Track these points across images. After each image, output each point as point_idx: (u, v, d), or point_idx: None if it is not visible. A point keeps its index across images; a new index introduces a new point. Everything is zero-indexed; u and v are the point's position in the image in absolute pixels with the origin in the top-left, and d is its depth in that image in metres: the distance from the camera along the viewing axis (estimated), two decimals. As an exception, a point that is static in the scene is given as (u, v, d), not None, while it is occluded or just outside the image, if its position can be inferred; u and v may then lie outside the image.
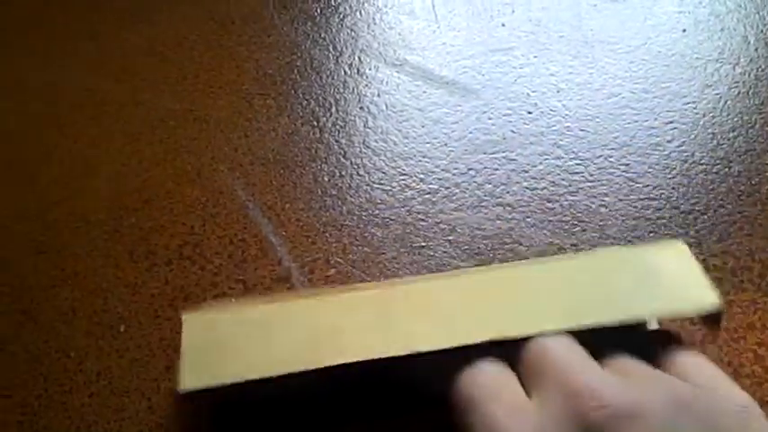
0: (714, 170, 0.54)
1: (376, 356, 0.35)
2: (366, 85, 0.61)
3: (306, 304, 0.39)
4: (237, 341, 0.36)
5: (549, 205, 0.52)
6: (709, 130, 0.57)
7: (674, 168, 0.54)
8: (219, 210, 0.52)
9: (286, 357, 0.35)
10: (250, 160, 0.55)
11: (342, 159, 0.55)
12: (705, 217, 0.52)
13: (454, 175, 0.54)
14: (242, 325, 0.38)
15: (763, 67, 0.62)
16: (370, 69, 0.62)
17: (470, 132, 0.57)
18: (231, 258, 0.48)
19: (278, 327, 0.37)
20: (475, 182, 0.54)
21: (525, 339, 0.33)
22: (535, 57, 0.62)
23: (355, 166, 0.55)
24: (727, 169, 0.55)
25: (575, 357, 0.31)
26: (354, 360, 0.35)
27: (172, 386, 0.44)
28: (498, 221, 0.51)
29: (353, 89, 0.60)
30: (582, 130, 0.57)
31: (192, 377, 0.35)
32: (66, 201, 0.52)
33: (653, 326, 0.40)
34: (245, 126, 0.57)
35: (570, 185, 0.53)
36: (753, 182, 0.54)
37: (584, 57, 0.62)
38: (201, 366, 0.35)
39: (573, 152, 0.55)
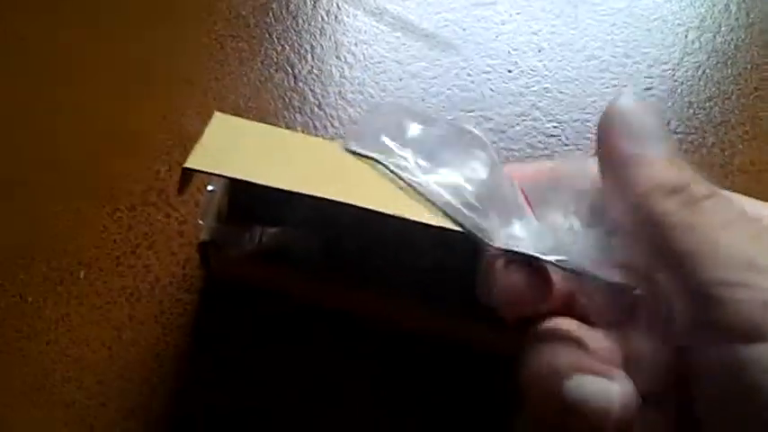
0: (689, 140, 0.54)
1: (381, 209, 0.33)
2: (343, 33, 0.59)
3: (332, 147, 0.39)
4: (253, 149, 0.37)
5: (525, 167, 0.51)
6: (686, 99, 0.57)
7: (650, 136, 0.54)
8: (186, 156, 0.50)
9: (291, 178, 0.35)
10: (219, 106, 0.53)
11: (316, 110, 0.54)
12: (677, 186, 0.52)
13: (430, 131, 0.53)
14: (263, 138, 0.39)
15: (742, 36, 0.62)
16: (348, 17, 0.60)
17: (448, 89, 0.56)
18: (198, 207, 0.47)
19: (295, 152, 0.38)
20: (450, 140, 0.53)
21: None
22: (518, 13, 0.61)
23: (330, 118, 0.53)
24: (701, 139, 0.55)
25: None
26: (356, 204, 0.34)
27: (134, 335, 0.43)
28: (472, 181, 0.50)
29: (330, 37, 0.58)
30: (561, 92, 0.56)
31: (199, 160, 0.35)
32: (27, 144, 0.50)
33: None
34: (216, 70, 0.55)
35: (546, 148, 0.53)
36: (726, 153, 0.54)
37: (567, 16, 0.61)
38: (212, 156, 0.36)
39: (551, 114, 0.55)
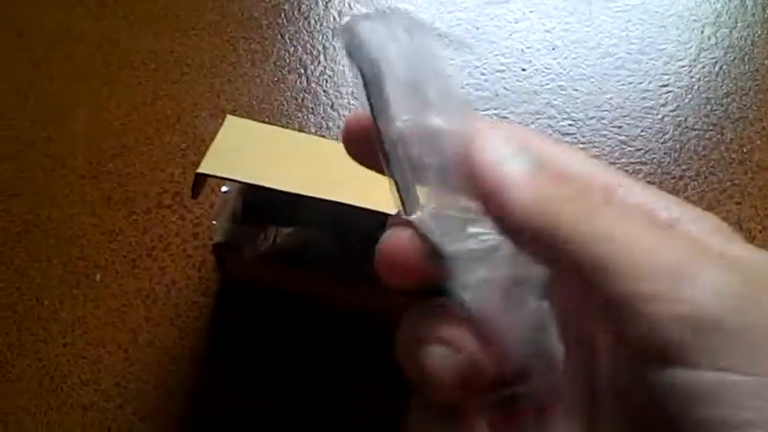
0: (707, 136, 0.54)
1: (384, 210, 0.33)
2: (356, 34, 0.58)
3: (337, 144, 0.38)
4: (265, 152, 0.38)
5: (540, 166, 0.51)
6: (704, 95, 0.56)
7: (667, 133, 0.54)
8: (200, 158, 0.50)
9: (303, 180, 0.36)
10: (233, 107, 0.53)
11: (329, 110, 0.54)
12: (696, 183, 0.51)
13: (444, 131, 0.53)
14: (275, 140, 0.39)
15: (759, 32, 0.61)
16: (360, 17, 0.59)
17: (462, 88, 0.55)
18: (212, 208, 0.47)
19: (307, 154, 0.38)
20: (465, 139, 0.53)
21: None
22: (531, 11, 0.60)
23: (343, 118, 0.53)
24: (719, 136, 0.54)
25: None
26: (368, 207, 0.34)
27: (151, 338, 0.43)
28: (487, 181, 0.50)
29: (343, 37, 0.58)
30: (576, 90, 0.56)
31: (211, 165, 0.36)
32: (42, 142, 0.50)
33: None
34: (229, 71, 0.55)
35: (561, 146, 0.52)
36: (744, 150, 0.53)
37: (581, 14, 0.61)
38: (224, 160, 0.37)
39: (566, 112, 0.54)
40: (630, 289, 0.18)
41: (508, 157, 0.21)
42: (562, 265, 0.19)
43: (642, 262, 0.18)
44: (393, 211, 0.30)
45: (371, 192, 0.36)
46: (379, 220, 0.33)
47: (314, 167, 0.37)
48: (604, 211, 0.19)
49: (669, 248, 0.18)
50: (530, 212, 0.20)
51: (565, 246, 0.19)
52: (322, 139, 0.40)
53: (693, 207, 0.22)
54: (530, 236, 0.20)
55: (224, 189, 0.42)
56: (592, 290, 0.19)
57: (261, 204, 0.40)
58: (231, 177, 0.36)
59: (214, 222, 0.41)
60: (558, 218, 0.19)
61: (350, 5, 0.60)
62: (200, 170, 0.36)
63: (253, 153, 0.38)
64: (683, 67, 0.58)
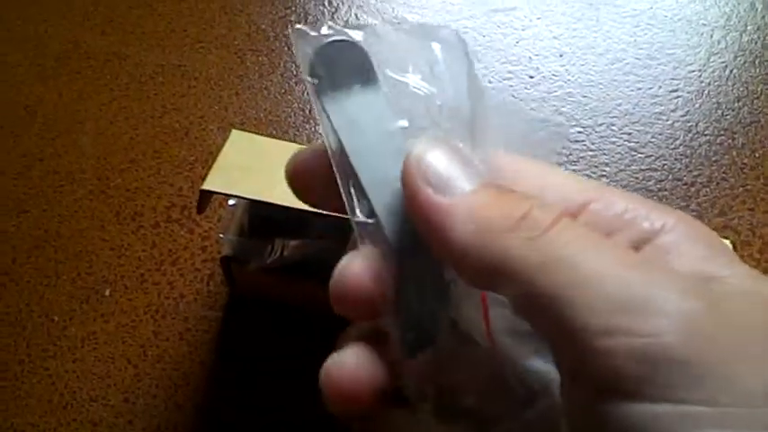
0: (718, 141, 0.53)
1: None
2: (362, 44, 0.58)
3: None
4: (271, 167, 0.37)
5: (549, 174, 0.50)
6: (714, 100, 0.56)
7: (678, 139, 0.53)
8: (209, 171, 0.50)
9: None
10: (241, 120, 0.53)
11: (336, 121, 0.53)
12: (707, 189, 0.51)
13: (452, 140, 0.53)
14: (281, 155, 0.38)
15: (770, 35, 0.60)
16: (366, 27, 0.59)
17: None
18: (221, 222, 0.47)
19: None
20: (473, 148, 0.53)
21: None
22: (538, 18, 0.60)
23: (350, 129, 0.53)
24: (730, 141, 0.53)
25: None
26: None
27: (160, 353, 0.43)
28: (496, 190, 0.49)
29: (349, 48, 0.58)
30: (584, 97, 0.55)
31: (216, 181, 0.37)
32: (50, 158, 0.51)
33: None
34: (236, 84, 0.55)
35: (571, 154, 0.52)
36: (756, 155, 0.53)
37: (589, 19, 0.60)
38: (229, 176, 0.37)
39: (575, 119, 0.54)
40: (584, 322, 0.17)
41: (452, 179, 0.19)
42: (514, 298, 0.18)
43: (597, 293, 0.17)
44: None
45: None
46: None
47: None
48: (552, 238, 0.18)
49: (628, 276, 0.17)
50: (472, 247, 0.18)
51: (513, 278, 0.18)
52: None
53: (681, 215, 0.21)
54: (475, 271, 0.19)
55: (231, 202, 0.42)
56: (545, 322, 0.18)
57: (268, 217, 0.40)
58: (236, 194, 0.36)
59: (221, 236, 0.41)
60: (504, 250, 0.18)
61: (356, 15, 0.60)
62: (204, 187, 0.36)
63: (258, 168, 0.38)
64: (693, 71, 0.57)
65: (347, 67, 0.22)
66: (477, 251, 0.18)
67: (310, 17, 0.60)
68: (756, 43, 0.60)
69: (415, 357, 0.22)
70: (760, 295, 0.18)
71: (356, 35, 0.23)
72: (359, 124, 0.22)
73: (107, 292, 0.45)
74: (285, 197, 0.35)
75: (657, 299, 0.17)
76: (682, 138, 0.53)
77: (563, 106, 0.54)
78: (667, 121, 0.54)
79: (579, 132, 0.53)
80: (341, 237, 0.40)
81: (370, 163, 0.22)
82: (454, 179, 0.19)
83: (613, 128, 0.53)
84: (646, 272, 0.17)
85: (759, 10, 0.62)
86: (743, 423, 0.15)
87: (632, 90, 0.56)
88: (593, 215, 0.21)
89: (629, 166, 0.51)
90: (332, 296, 0.22)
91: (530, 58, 0.58)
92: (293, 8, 0.61)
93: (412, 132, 0.22)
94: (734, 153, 0.53)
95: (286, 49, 0.58)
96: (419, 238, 0.21)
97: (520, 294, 0.18)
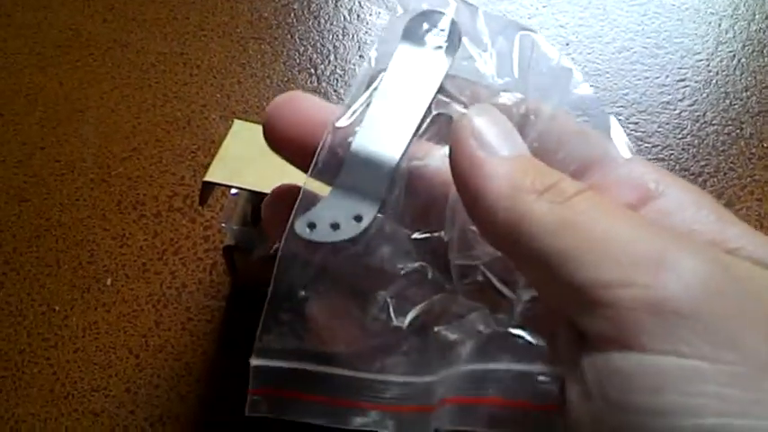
0: (726, 131, 0.53)
1: None
2: (366, 32, 0.58)
3: None
4: (273, 157, 0.37)
5: (555, 164, 0.50)
6: (722, 89, 0.55)
7: (685, 128, 0.53)
8: (210, 160, 0.50)
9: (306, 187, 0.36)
10: (243, 108, 0.53)
11: (340, 110, 0.53)
12: (715, 180, 0.50)
13: (457, 129, 0.52)
14: None
15: (779, 24, 0.60)
16: (370, 15, 0.59)
17: (474, 85, 0.55)
18: (223, 211, 0.46)
19: None
20: (478, 137, 0.52)
21: None
22: (544, 6, 0.59)
23: (354, 118, 0.53)
24: (738, 131, 0.53)
25: None
26: None
27: (162, 342, 0.42)
28: (502, 179, 0.49)
29: (353, 36, 0.57)
30: (591, 86, 0.54)
31: (218, 172, 0.36)
32: (51, 147, 0.50)
33: None
34: (239, 72, 0.55)
35: (577, 143, 0.51)
36: (764, 145, 0.52)
37: (596, 8, 0.59)
38: (231, 167, 0.36)
39: (581, 109, 0.53)
40: (590, 276, 0.17)
41: (494, 143, 0.20)
42: (529, 257, 0.19)
43: (605, 250, 0.17)
44: None
45: None
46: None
47: None
48: (573, 204, 0.19)
49: (641, 236, 0.18)
50: (502, 202, 0.19)
51: (530, 238, 0.19)
52: None
53: (688, 186, 0.21)
54: (498, 227, 0.19)
55: (233, 191, 0.41)
56: (555, 282, 0.18)
57: None
58: (239, 186, 0.36)
59: (223, 225, 0.40)
60: (528, 211, 0.19)
61: (360, 4, 0.59)
62: (206, 178, 0.35)
63: (260, 158, 0.37)
64: (701, 60, 0.57)
65: (437, 30, 0.24)
66: (504, 207, 0.19)
67: (313, 5, 0.59)
68: (764, 32, 0.59)
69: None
70: None
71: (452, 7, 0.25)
72: (407, 73, 0.24)
73: (108, 282, 0.44)
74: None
75: (669, 257, 0.17)
76: (689, 127, 0.53)
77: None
78: (674, 110, 0.53)
79: (586, 122, 0.53)
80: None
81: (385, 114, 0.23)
82: (496, 144, 0.20)
83: (620, 117, 0.53)
84: (660, 234, 0.18)
85: (767, -1, 0.62)
86: (744, 383, 0.15)
87: (639, 79, 0.55)
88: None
89: (637, 155, 0.51)
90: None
91: (535, 46, 0.57)
92: (296, -4, 0.60)
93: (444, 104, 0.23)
94: (741, 143, 0.52)
95: (289, 36, 0.57)
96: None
97: (534, 254, 0.19)
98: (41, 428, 0.39)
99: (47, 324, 0.43)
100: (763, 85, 0.55)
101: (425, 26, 0.24)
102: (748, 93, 0.55)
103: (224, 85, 0.54)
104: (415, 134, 0.23)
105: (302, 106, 0.24)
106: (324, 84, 0.54)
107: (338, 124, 0.23)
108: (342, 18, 0.59)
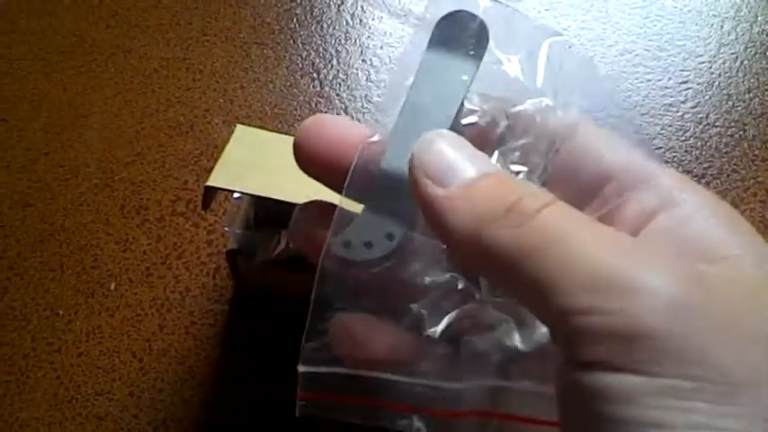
0: (729, 133, 0.52)
1: None
2: (369, 37, 0.58)
3: None
4: (275, 162, 0.37)
5: (558, 166, 0.50)
6: (725, 91, 0.55)
7: (688, 130, 0.52)
8: (214, 164, 0.50)
9: (308, 192, 0.36)
10: (246, 113, 0.53)
11: (343, 114, 0.53)
12: (718, 182, 0.50)
13: (459, 132, 0.52)
14: (285, 150, 0.38)
15: (781, 25, 0.60)
16: (373, 20, 0.59)
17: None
18: (226, 215, 0.46)
19: None
20: (480, 140, 0.52)
21: None
22: (546, 9, 0.59)
23: (357, 122, 0.53)
24: (741, 132, 0.53)
25: None
26: None
27: (165, 346, 0.42)
28: (504, 182, 0.49)
29: (356, 40, 0.58)
30: (593, 89, 0.54)
31: (221, 177, 0.36)
32: (55, 152, 0.50)
33: None
34: (241, 77, 0.55)
35: (579, 146, 0.51)
36: (767, 146, 0.52)
37: (598, 11, 0.60)
38: (234, 171, 0.37)
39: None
40: (558, 304, 0.17)
41: (453, 169, 0.20)
42: (505, 286, 0.19)
43: (569, 276, 0.17)
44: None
45: None
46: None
47: None
48: (535, 226, 0.18)
49: (602, 255, 0.17)
50: (466, 237, 0.19)
51: (499, 269, 0.19)
52: None
53: (707, 194, 0.21)
54: (471, 260, 0.20)
55: (236, 195, 0.41)
56: (535, 307, 0.19)
57: (274, 209, 0.40)
58: (241, 190, 0.36)
59: (227, 229, 0.40)
60: (493, 240, 0.18)
61: (362, 8, 0.60)
62: (209, 183, 0.35)
63: (263, 163, 0.37)
64: (703, 63, 0.57)
65: (465, 33, 0.24)
66: (469, 241, 0.19)
67: (316, 10, 0.60)
68: (767, 34, 0.59)
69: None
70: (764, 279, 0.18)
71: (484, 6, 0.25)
72: (433, 83, 0.24)
73: (112, 286, 0.44)
74: (290, 193, 0.35)
75: (635, 278, 0.17)
76: (692, 129, 0.53)
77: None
78: (677, 112, 0.53)
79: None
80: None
81: (413, 121, 0.23)
82: (455, 168, 0.20)
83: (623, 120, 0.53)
84: (628, 252, 0.18)
85: (770, 1, 0.62)
86: (711, 398, 0.16)
87: (642, 82, 0.55)
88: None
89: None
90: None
91: (537, 49, 0.57)
92: (298, 1, 0.61)
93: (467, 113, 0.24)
94: (745, 145, 0.52)
95: (291, 42, 0.57)
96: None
97: (507, 286, 0.19)
98: (45, 433, 0.40)
99: (51, 328, 0.43)
100: (766, 86, 0.55)
101: (453, 30, 0.24)
102: (751, 94, 0.55)
103: (227, 89, 0.54)
104: None
105: (331, 127, 0.24)
106: (327, 88, 0.54)
107: (370, 140, 0.23)
108: (344, 23, 0.59)
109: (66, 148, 0.50)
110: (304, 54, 0.57)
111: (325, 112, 0.53)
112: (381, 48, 0.57)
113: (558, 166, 0.23)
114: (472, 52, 0.24)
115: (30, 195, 0.48)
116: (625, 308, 0.17)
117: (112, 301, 0.44)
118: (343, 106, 0.53)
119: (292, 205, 0.35)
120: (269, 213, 0.40)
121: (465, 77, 0.24)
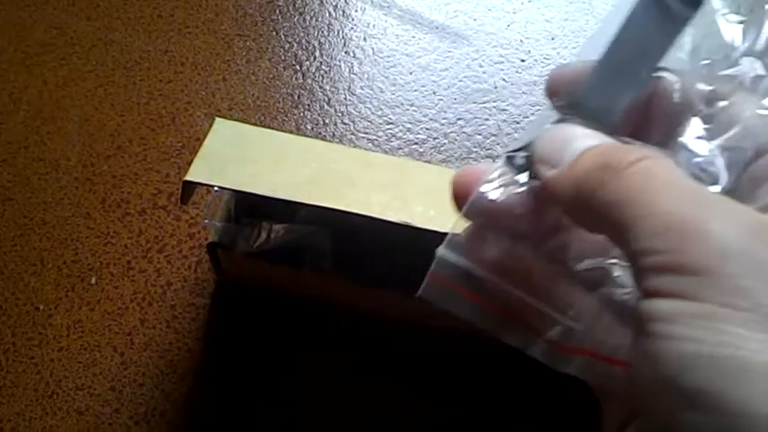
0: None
1: (376, 215, 0.34)
2: (352, 29, 0.58)
3: (327, 147, 0.40)
4: (254, 156, 0.37)
5: (540, 158, 0.50)
6: (707, 82, 0.55)
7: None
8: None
9: (293, 185, 0.36)
10: (228, 106, 0.53)
11: (326, 106, 0.53)
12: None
13: (442, 125, 0.52)
14: (265, 144, 0.39)
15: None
16: (356, 11, 0.59)
17: (460, 80, 0.55)
18: (207, 208, 0.46)
19: (297, 157, 0.38)
20: (464, 132, 0.52)
21: None
22: (529, 1, 0.59)
23: (339, 114, 0.52)
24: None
25: None
26: (351, 210, 0.34)
27: (147, 340, 0.42)
28: (487, 174, 0.49)
29: (338, 32, 0.57)
30: (576, 80, 0.54)
31: (199, 172, 0.36)
32: (35, 145, 0.50)
33: None
34: (224, 69, 0.55)
35: (562, 138, 0.51)
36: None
37: (581, 2, 0.59)
38: (213, 166, 0.36)
39: None
40: (645, 245, 0.19)
41: (564, 147, 0.23)
42: (604, 232, 0.22)
43: (658, 220, 0.20)
44: (383, 216, 0.31)
45: (364, 197, 0.35)
46: (372, 220, 0.33)
47: (305, 172, 0.36)
48: (631, 170, 0.21)
49: (676, 206, 0.20)
50: (568, 201, 0.22)
51: (599, 219, 0.21)
52: (314, 140, 0.40)
53: None
54: (580, 222, 0.23)
55: (216, 188, 0.41)
56: (624, 252, 0.21)
57: (254, 202, 0.40)
58: (220, 185, 0.36)
59: (206, 221, 0.40)
60: (589, 196, 0.21)
61: (345, 0, 0.59)
62: (187, 177, 0.35)
63: (242, 157, 0.37)
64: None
65: None
66: (573, 204, 0.22)
67: (298, 2, 0.59)
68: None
69: None
70: None
71: None
72: (638, 31, 0.24)
73: (93, 280, 0.44)
74: (270, 188, 0.35)
75: (701, 227, 0.19)
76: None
77: (554, 90, 0.54)
78: (660, 103, 0.54)
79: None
80: (328, 222, 0.39)
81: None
82: (563, 150, 0.23)
83: (605, 111, 0.53)
84: (699, 204, 0.20)
85: (753, -8, 0.62)
86: (756, 326, 0.18)
87: (624, 73, 0.55)
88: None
89: None
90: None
91: (521, 41, 0.57)
92: (281, -8, 0.60)
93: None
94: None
95: (274, 34, 0.57)
96: None
97: (604, 226, 0.21)
98: (26, 427, 0.39)
99: (31, 323, 0.42)
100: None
101: None
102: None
103: (209, 82, 0.54)
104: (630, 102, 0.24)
105: (481, 171, 0.25)
106: (309, 80, 0.54)
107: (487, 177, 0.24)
108: (327, 14, 0.58)
109: (46, 142, 0.50)
110: (287, 46, 0.56)
111: (308, 105, 0.53)
112: (364, 39, 0.57)
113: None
114: (686, 6, 0.24)
115: (9, 189, 0.48)
116: (685, 249, 0.19)
117: (93, 295, 0.44)
118: (326, 98, 0.53)
119: (273, 198, 0.35)
120: (250, 205, 0.40)
121: (677, 27, 0.24)
